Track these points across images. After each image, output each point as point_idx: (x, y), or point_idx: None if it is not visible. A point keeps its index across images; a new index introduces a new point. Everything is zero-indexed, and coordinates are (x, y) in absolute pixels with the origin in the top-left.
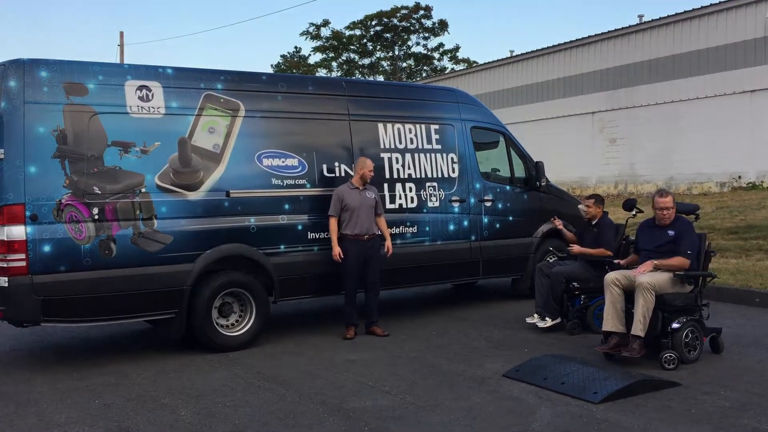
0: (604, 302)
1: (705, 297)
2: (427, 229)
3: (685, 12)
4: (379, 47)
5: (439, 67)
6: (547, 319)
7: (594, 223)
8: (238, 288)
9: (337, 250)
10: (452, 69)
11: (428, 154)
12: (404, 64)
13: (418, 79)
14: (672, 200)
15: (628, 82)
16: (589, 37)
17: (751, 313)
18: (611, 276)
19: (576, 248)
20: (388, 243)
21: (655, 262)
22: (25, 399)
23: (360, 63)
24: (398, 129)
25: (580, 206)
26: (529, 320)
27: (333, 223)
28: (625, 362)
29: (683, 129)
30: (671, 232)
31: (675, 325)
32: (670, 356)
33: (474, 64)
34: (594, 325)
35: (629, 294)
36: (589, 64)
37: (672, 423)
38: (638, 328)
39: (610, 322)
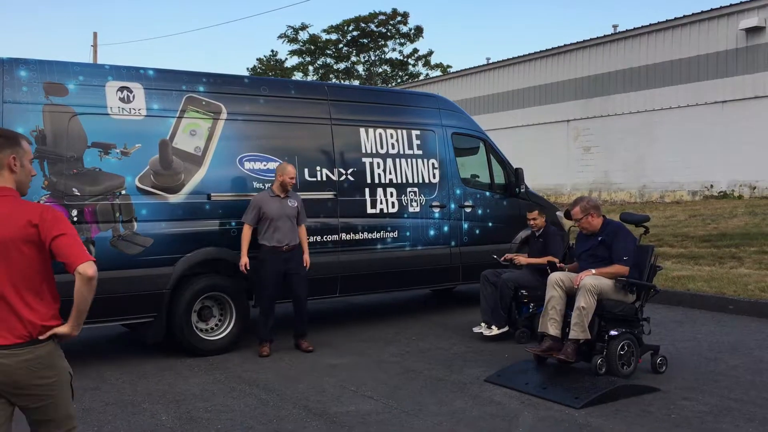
0: None
1: (681, 303)
2: (408, 234)
3: (659, 23)
4: (355, 52)
5: (414, 73)
6: (493, 327)
7: (539, 233)
8: (218, 292)
9: (243, 260)
10: (427, 75)
11: (409, 160)
12: (380, 70)
13: (393, 84)
14: (580, 210)
15: (603, 91)
16: (565, 46)
17: (726, 319)
18: (555, 276)
19: (522, 259)
20: (306, 256)
21: (594, 271)
22: None
23: (335, 68)
24: (380, 134)
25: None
26: (475, 329)
27: (246, 231)
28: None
29: (656, 138)
30: (599, 238)
31: (613, 333)
32: (602, 361)
33: (448, 68)
34: None
35: (570, 298)
36: (564, 72)
37: (652, 428)
38: (575, 332)
39: (547, 323)
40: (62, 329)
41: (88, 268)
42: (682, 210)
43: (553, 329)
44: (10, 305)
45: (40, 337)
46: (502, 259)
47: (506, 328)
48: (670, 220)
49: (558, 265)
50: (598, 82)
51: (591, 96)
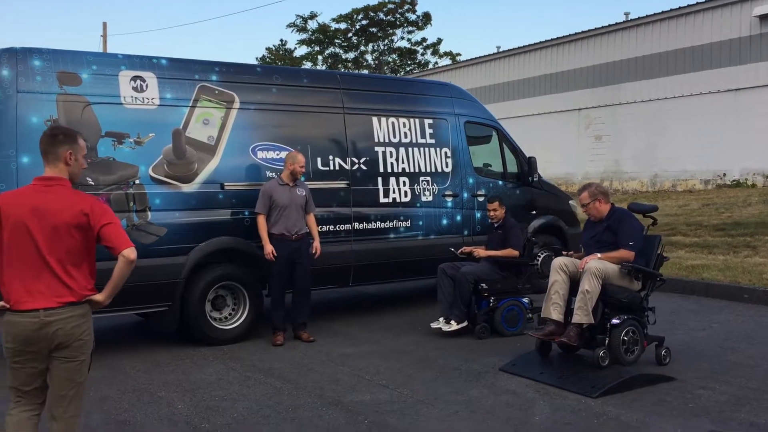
0: (512, 304)
1: (695, 292)
2: (421, 223)
3: (671, 10)
4: (364, 41)
5: (422, 62)
6: (452, 322)
7: (498, 225)
8: (232, 281)
9: (269, 248)
10: (435, 63)
11: (422, 149)
12: (389, 59)
13: (402, 73)
14: (588, 195)
15: (614, 79)
16: (576, 34)
17: (741, 308)
18: (559, 260)
19: (481, 252)
20: (317, 243)
21: (599, 255)
22: None
23: (344, 57)
24: (392, 123)
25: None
26: (433, 325)
27: (261, 220)
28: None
29: (668, 127)
30: (605, 224)
31: (615, 321)
32: (605, 353)
33: (457, 56)
34: (502, 327)
35: (573, 284)
36: (575, 61)
37: (670, 417)
38: (579, 316)
39: (550, 308)
40: (97, 296)
41: (131, 253)
42: (695, 199)
43: (555, 314)
44: (58, 276)
45: (81, 300)
46: (460, 252)
47: (465, 323)
48: (683, 209)
49: (563, 253)
50: (609, 70)
51: (602, 84)
